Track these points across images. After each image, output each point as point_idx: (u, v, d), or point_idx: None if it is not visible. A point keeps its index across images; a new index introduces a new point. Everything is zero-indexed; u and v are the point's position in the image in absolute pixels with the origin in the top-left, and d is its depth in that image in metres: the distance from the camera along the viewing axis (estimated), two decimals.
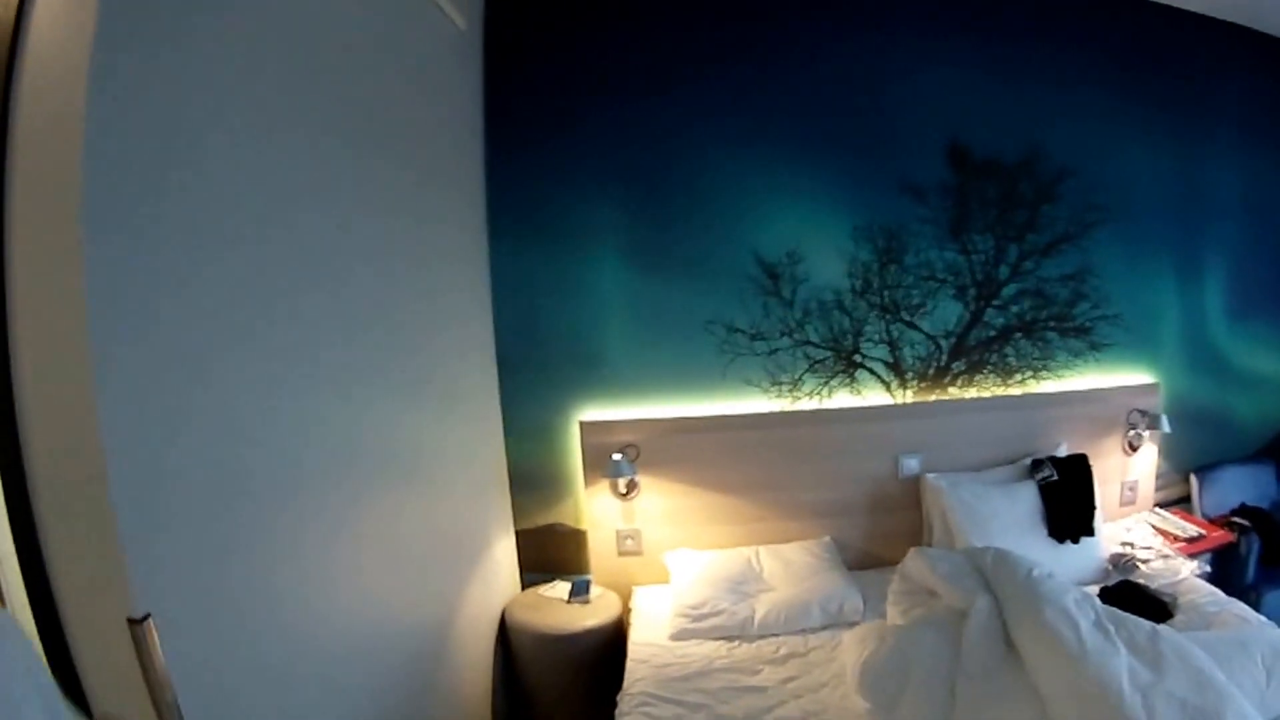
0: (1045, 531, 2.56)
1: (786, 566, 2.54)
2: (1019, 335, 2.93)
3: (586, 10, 2.81)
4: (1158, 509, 3.01)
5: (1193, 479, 3.08)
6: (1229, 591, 2.40)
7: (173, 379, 1.17)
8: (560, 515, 2.87)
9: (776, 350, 2.84)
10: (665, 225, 2.80)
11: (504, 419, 2.79)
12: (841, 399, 2.87)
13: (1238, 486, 3.09)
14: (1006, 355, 2.93)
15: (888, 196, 2.85)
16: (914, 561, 2.22)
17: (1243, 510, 2.99)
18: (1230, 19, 3.22)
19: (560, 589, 2.68)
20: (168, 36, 1.19)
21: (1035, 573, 1.99)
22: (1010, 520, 2.53)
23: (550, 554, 2.86)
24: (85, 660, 1.08)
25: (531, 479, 2.83)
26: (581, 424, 2.74)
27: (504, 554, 2.72)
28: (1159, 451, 3.05)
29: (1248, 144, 3.28)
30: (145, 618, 1.04)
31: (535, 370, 2.79)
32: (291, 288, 1.53)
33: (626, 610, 2.58)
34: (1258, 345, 3.26)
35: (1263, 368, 3.27)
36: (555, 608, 2.57)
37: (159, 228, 1.16)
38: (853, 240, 2.84)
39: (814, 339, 2.85)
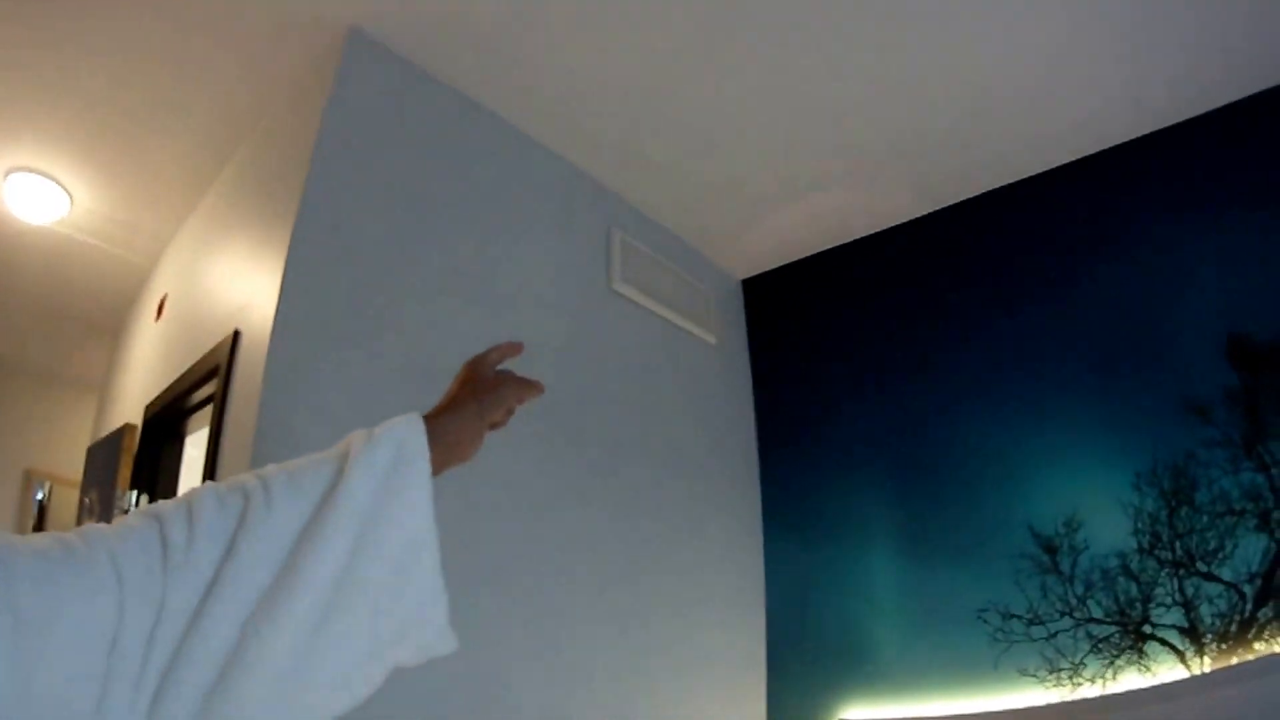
0: None
1: None
2: None
3: (835, 306, 3.07)
4: None
5: None
6: None
7: None
8: None
9: (1056, 634, 2.41)
10: (932, 510, 2.70)
11: (768, 714, 2.74)
12: (1129, 679, 2.31)
13: None
14: None
15: (1168, 425, 2.39)
16: None
17: None
18: None
19: None
20: None
21: None
22: None
23: None
24: None
25: None
26: None
27: None
28: None
29: None
30: None
31: (802, 663, 2.77)
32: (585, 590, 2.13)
33: None
34: None
35: None
36: None
37: None
38: (1135, 490, 2.39)
39: (1097, 614, 2.38)
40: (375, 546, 0.64)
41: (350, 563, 0.62)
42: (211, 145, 2.46)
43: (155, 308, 2.80)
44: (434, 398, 1.66)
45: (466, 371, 0.86)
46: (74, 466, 3.42)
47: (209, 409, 2.25)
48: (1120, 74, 2.41)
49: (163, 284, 2.86)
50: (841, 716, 2.64)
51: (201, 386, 2.11)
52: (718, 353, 2.99)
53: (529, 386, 0.86)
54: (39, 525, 4.14)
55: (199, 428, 2.41)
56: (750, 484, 2.99)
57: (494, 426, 0.84)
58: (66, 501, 3.85)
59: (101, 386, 3.68)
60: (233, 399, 1.82)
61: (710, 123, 2.41)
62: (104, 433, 2.99)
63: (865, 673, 2.68)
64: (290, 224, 1.78)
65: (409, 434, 0.70)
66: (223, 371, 1.87)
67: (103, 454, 2.75)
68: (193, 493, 0.62)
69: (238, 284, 2.05)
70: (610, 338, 2.48)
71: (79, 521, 2.88)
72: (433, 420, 0.74)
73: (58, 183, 2.66)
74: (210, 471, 1.80)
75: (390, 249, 1.92)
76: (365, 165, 1.93)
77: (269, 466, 0.66)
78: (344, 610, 0.61)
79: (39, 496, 4.19)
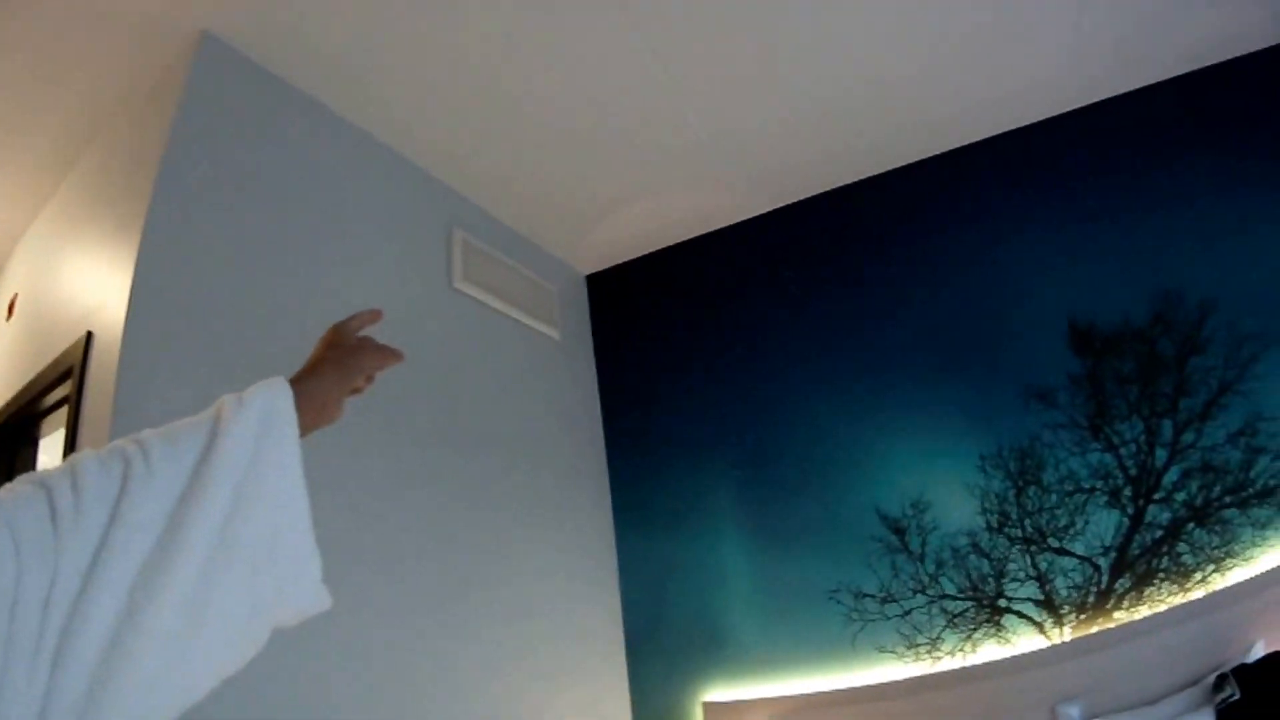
0: None
1: None
2: (1191, 526, 2.44)
3: (680, 301, 3.16)
4: None
5: None
6: None
7: None
8: None
9: (910, 611, 2.59)
10: (781, 497, 2.82)
11: (632, 703, 2.81)
12: (988, 651, 2.50)
13: None
14: (1180, 554, 2.43)
15: (1013, 412, 2.61)
16: None
17: None
18: None
19: None
20: None
21: None
22: None
23: None
24: None
25: None
26: (705, 705, 2.66)
27: None
28: None
29: None
30: None
31: (662, 651, 2.84)
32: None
33: None
34: None
35: None
36: None
37: None
38: (981, 472, 2.59)
39: (950, 591, 2.56)
40: (250, 507, 0.66)
41: (227, 524, 0.64)
42: (64, 143, 2.39)
43: (5, 307, 2.71)
44: None
45: (329, 337, 0.87)
46: None
47: (63, 411, 2.23)
48: (963, 78, 2.61)
49: (13, 283, 2.77)
50: (705, 699, 2.71)
51: (54, 389, 2.09)
52: (562, 348, 3.03)
53: (389, 353, 0.87)
54: None
55: (53, 430, 2.37)
56: (600, 477, 3.06)
57: (354, 392, 0.86)
58: None
59: None
60: (87, 400, 1.81)
61: (551, 122, 2.47)
62: None
63: (725, 656, 2.75)
64: (140, 224, 1.78)
65: (276, 397, 0.73)
66: (76, 373, 1.86)
67: None
68: (74, 459, 0.63)
69: (89, 284, 2.02)
70: (452, 335, 2.49)
71: None
72: (298, 384, 0.76)
73: None
74: None
75: (238, 248, 1.95)
76: (214, 166, 1.94)
77: (145, 431, 0.68)
78: (224, 570, 0.63)
79: None
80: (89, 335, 1.86)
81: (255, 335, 1.91)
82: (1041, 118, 2.86)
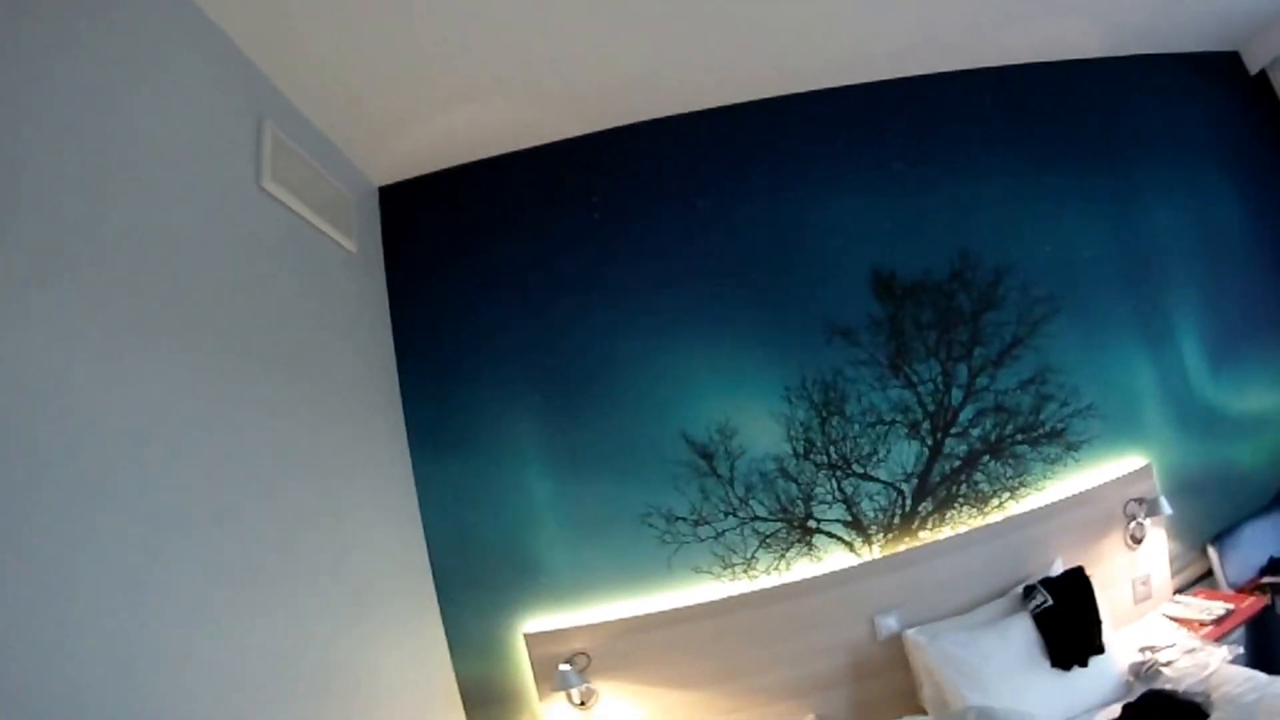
0: (1049, 663, 2.50)
1: None
2: (986, 458, 2.90)
3: (478, 220, 2.99)
4: (1178, 597, 2.91)
5: (1210, 551, 2.97)
6: (1271, 667, 2.31)
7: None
8: None
9: (723, 532, 2.78)
10: (584, 422, 2.82)
11: (448, 635, 2.74)
12: (802, 568, 2.77)
13: (1261, 542, 2.99)
14: (977, 482, 2.89)
15: (816, 347, 2.88)
16: None
17: (1272, 565, 2.90)
18: (1123, 53, 3.33)
19: None
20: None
21: None
22: (1006, 661, 2.47)
23: None
24: None
25: (486, 696, 2.72)
26: (526, 636, 2.69)
27: None
28: (1167, 535, 2.95)
29: (1181, 179, 3.30)
30: None
31: (473, 583, 2.76)
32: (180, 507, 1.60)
33: None
34: (1245, 387, 3.20)
35: (1257, 408, 3.19)
36: None
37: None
38: (787, 401, 2.84)
39: (761, 513, 2.79)
40: None
41: None
42: None
43: None
44: (80, 291, 1.41)
45: None
46: None
47: None
48: (824, 30, 2.75)
49: None
50: (525, 631, 2.70)
51: None
52: (356, 262, 2.78)
53: None
54: None
55: None
56: (392, 400, 2.84)
57: None
58: None
59: None
60: None
61: (368, 15, 2.23)
62: None
63: (539, 585, 2.74)
64: None
65: None
66: None
67: None
68: None
69: None
70: (253, 237, 2.17)
71: None
72: None
73: None
74: None
75: (21, 114, 1.42)
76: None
77: None
78: None
79: None
80: None
81: (45, 222, 1.41)
82: (872, 80, 3.12)
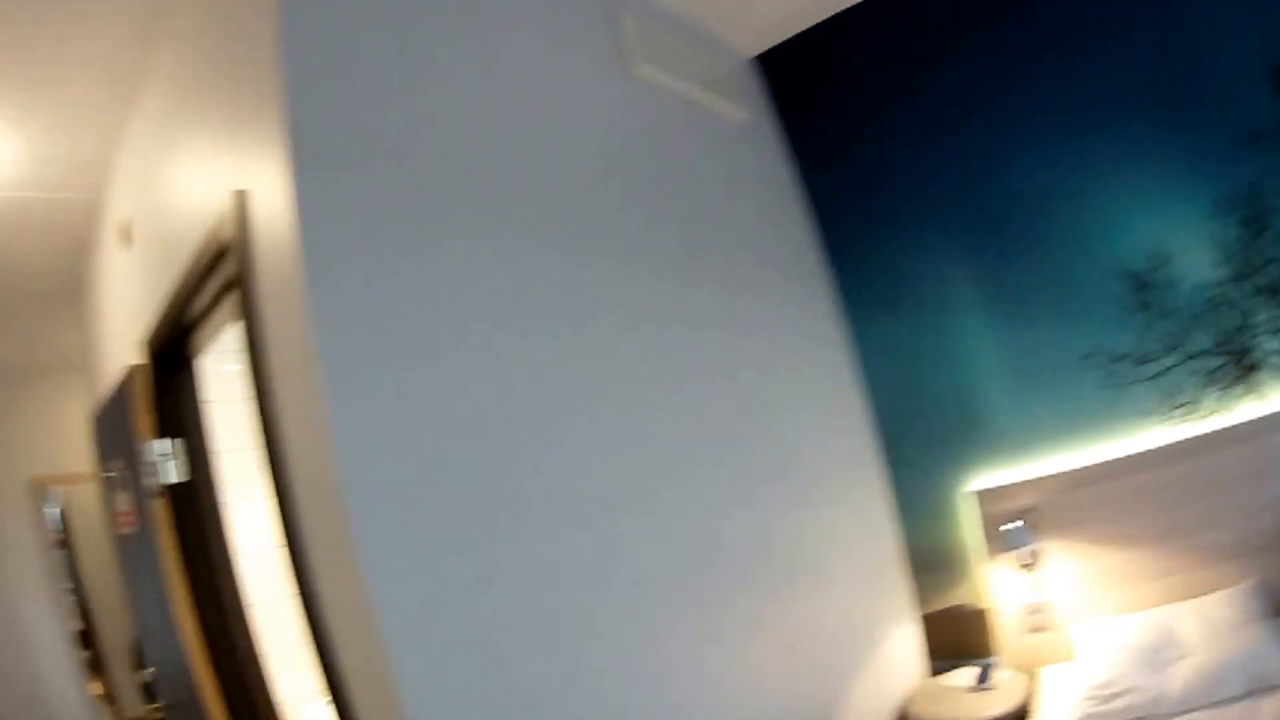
0: None
1: (1205, 625, 2.15)
2: None
3: (869, 69, 2.85)
4: None
5: None
6: None
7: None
8: (965, 595, 2.68)
9: (1169, 369, 2.41)
10: (1016, 262, 2.63)
11: (895, 498, 2.76)
12: (1247, 409, 2.32)
13: None
14: None
15: (1233, 158, 2.33)
16: None
17: None
18: None
19: (963, 676, 2.48)
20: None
21: None
22: None
23: (956, 638, 2.65)
24: None
25: (933, 559, 2.72)
26: (975, 494, 2.60)
27: (903, 642, 2.61)
28: None
29: None
30: None
31: (920, 443, 2.75)
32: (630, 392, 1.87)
33: (1032, 694, 2.32)
34: None
35: None
36: (955, 698, 2.39)
37: None
38: (1216, 218, 2.34)
39: (1205, 346, 2.37)
40: None
41: None
42: (132, 33, 2.08)
43: (120, 238, 2.48)
44: (475, 205, 1.69)
45: None
46: (85, 459, 3.11)
47: (217, 316, 1.99)
48: None
49: (121, 209, 2.53)
50: (971, 488, 2.62)
51: (206, 283, 1.83)
52: (748, 133, 2.81)
53: None
54: (65, 540, 3.83)
55: (211, 340, 2.15)
56: (814, 268, 2.88)
57: None
58: (90, 498, 3.52)
59: (83, 359, 3.35)
60: (261, 271, 1.52)
61: None
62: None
63: (983, 440, 2.64)
64: (274, 58, 1.44)
65: None
66: (238, 243, 1.58)
67: (111, 415, 2.46)
68: None
69: (224, 152, 1.72)
70: (638, 129, 2.26)
71: (111, 507, 2.62)
72: None
73: None
74: (256, 363, 1.55)
75: (385, 59, 1.63)
76: None
77: None
78: None
79: (55, 508, 3.85)
80: (242, 195, 1.56)
81: (425, 150, 1.63)
82: None
